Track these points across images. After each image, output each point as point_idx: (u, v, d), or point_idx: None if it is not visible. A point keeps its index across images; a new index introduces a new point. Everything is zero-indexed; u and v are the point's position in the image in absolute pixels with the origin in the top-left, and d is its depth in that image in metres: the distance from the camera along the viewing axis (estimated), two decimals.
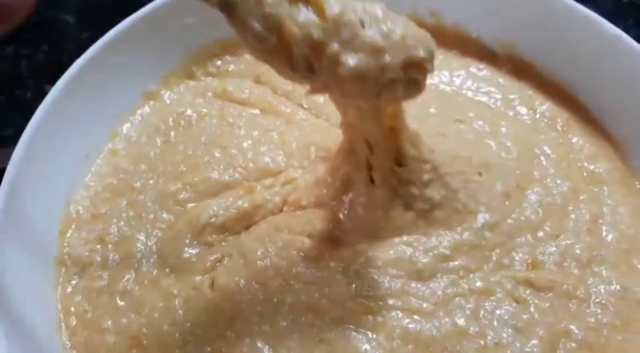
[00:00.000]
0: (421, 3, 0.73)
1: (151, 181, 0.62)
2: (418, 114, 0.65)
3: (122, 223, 0.59)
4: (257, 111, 0.68)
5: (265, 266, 0.54)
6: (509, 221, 0.58)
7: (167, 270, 0.56)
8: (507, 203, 0.59)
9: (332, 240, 0.56)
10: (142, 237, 0.58)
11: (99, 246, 0.58)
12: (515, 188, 0.61)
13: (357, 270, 0.54)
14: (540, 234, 0.58)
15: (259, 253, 0.55)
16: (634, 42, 0.63)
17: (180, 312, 0.53)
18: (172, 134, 0.66)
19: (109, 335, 0.53)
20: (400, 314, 0.52)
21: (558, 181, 0.62)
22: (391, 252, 0.55)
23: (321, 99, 0.68)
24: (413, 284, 0.54)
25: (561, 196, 0.61)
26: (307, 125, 0.66)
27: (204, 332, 0.52)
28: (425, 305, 0.53)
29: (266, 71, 0.70)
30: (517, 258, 0.57)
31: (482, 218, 0.58)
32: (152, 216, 0.59)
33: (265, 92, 0.70)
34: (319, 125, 0.66)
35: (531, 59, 0.72)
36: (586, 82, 0.69)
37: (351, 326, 0.51)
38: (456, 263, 0.55)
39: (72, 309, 0.54)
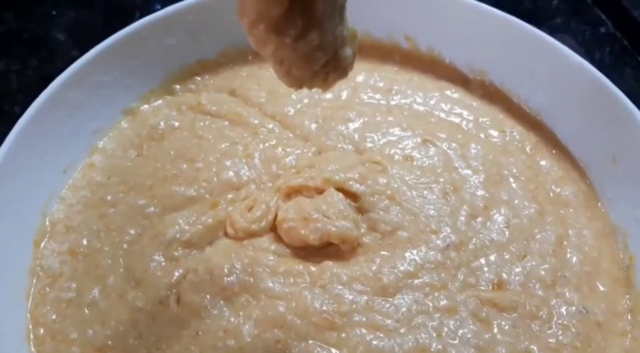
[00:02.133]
0: (396, 28, 0.75)
1: (122, 195, 0.63)
2: (392, 133, 0.68)
3: (92, 235, 0.60)
4: (226, 123, 0.69)
5: (232, 283, 0.55)
6: (475, 241, 0.60)
7: (134, 283, 0.56)
8: (473, 223, 0.61)
9: (298, 257, 0.57)
10: (110, 250, 0.59)
11: (70, 258, 0.59)
12: (482, 209, 0.62)
13: (323, 286, 0.55)
14: (507, 255, 0.59)
15: (225, 269, 0.55)
16: (596, 71, 0.65)
17: (146, 325, 0.54)
18: (145, 147, 0.68)
19: (74, 346, 0.53)
20: (364, 331, 0.53)
21: (525, 203, 0.64)
22: (357, 268, 0.56)
23: (291, 110, 0.70)
24: (378, 300, 0.55)
25: (528, 217, 0.63)
26: (272, 137, 0.67)
27: (168, 347, 0.52)
28: (388, 321, 0.54)
29: (242, 85, 0.73)
30: (482, 277, 0.58)
31: (447, 238, 0.59)
32: (120, 229, 0.60)
33: (237, 104, 0.71)
34: (284, 137, 0.68)
35: (501, 85, 0.74)
36: (552, 108, 0.71)
37: (316, 342, 0.52)
38: (421, 280, 0.56)
39: (41, 319, 0.55)
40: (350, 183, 0.61)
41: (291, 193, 0.61)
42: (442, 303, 0.55)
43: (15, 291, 0.55)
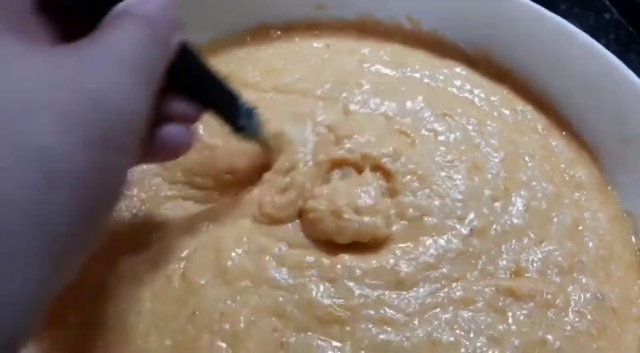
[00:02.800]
0: (399, 8, 0.73)
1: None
2: (409, 103, 0.64)
3: None
4: None
5: (234, 266, 0.52)
6: (496, 226, 0.57)
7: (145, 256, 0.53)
8: (495, 206, 0.58)
9: (312, 247, 0.54)
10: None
11: None
12: (503, 191, 0.59)
13: (332, 279, 0.52)
14: (525, 240, 0.57)
15: (232, 253, 0.52)
16: (605, 50, 0.64)
17: (148, 302, 0.51)
18: None
19: (73, 328, 0.50)
20: (370, 325, 0.50)
21: (543, 184, 0.61)
22: (374, 262, 0.53)
23: (291, 80, 0.66)
24: (390, 294, 0.51)
25: (546, 199, 0.60)
26: (286, 101, 0.63)
27: (165, 324, 0.49)
28: (399, 315, 0.50)
29: (238, 68, 0.68)
30: (501, 265, 0.55)
31: (470, 223, 0.56)
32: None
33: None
34: (298, 99, 0.64)
35: (508, 65, 0.71)
36: (560, 89, 0.69)
37: (316, 334, 0.49)
38: (440, 271, 0.53)
39: None
40: (385, 160, 0.57)
41: (333, 167, 0.58)
42: (458, 294, 0.52)
43: None
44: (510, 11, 0.69)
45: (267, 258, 0.52)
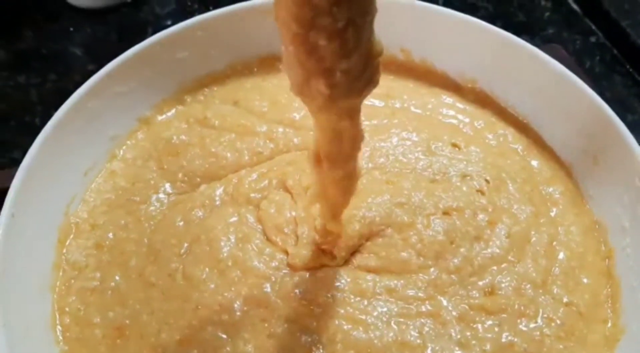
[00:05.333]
0: (392, 41, 0.79)
1: (152, 193, 0.68)
2: (401, 136, 0.70)
3: (118, 228, 0.64)
4: (233, 135, 0.71)
5: (225, 257, 0.59)
6: (475, 262, 0.61)
7: (153, 258, 0.61)
8: (476, 246, 0.61)
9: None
10: (136, 236, 0.63)
11: (95, 251, 0.63)
12: (487, 223, 0.63)
13: (302, 275, 0.58)
14: (504, 264, 0.61)
15: (221, 242, 0.59)
16: (576, 78, 0.69)
17: (158, 301, 0.58)
18: (164, 161, 0.70)
19: (97, 329, 0.57)
20: (342, 321, 0.56)
21: (523, 207, 0.65)
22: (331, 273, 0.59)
23: (296, 116, 0.73)
24: (354, 298, 0.57)
25: (526, 221, 0.64)
26: (292, 137, 0.70)
27: (175, 321, 0.56)
28: (365, 317, 0.56)
29: (245, 96, 0.76)
30: (476, 288, 0.59)
31: (456, 258, 0.60)
32: (152, 217, 0.65)
33: (240, 115, 0.73)
34: (301, 135, 0.70)
35: (491, 92, 0.78)
36: (538, 113, 0.75)
37: (298, 326, 0.55)
38: (404, 293, 0.58)
39: (67, 309, 0.59)
40: (380, 228, 0.61)
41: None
42: (424, 308, 0.57)
43: (40, 286, 0.60)
44: (494, 43, 0.74)
45: (249, 246, 0.60)
